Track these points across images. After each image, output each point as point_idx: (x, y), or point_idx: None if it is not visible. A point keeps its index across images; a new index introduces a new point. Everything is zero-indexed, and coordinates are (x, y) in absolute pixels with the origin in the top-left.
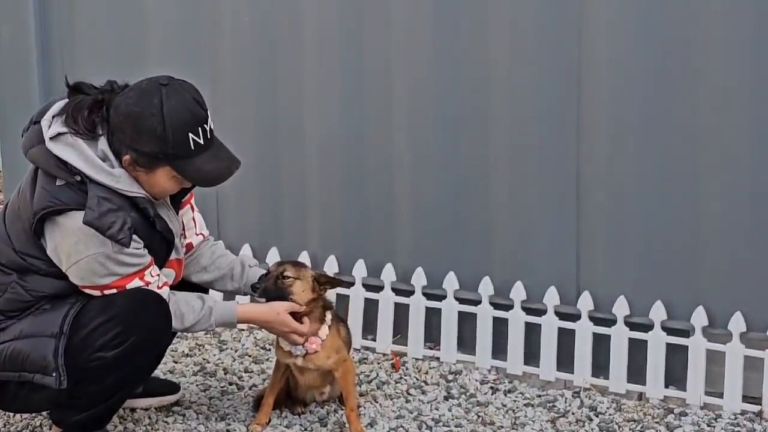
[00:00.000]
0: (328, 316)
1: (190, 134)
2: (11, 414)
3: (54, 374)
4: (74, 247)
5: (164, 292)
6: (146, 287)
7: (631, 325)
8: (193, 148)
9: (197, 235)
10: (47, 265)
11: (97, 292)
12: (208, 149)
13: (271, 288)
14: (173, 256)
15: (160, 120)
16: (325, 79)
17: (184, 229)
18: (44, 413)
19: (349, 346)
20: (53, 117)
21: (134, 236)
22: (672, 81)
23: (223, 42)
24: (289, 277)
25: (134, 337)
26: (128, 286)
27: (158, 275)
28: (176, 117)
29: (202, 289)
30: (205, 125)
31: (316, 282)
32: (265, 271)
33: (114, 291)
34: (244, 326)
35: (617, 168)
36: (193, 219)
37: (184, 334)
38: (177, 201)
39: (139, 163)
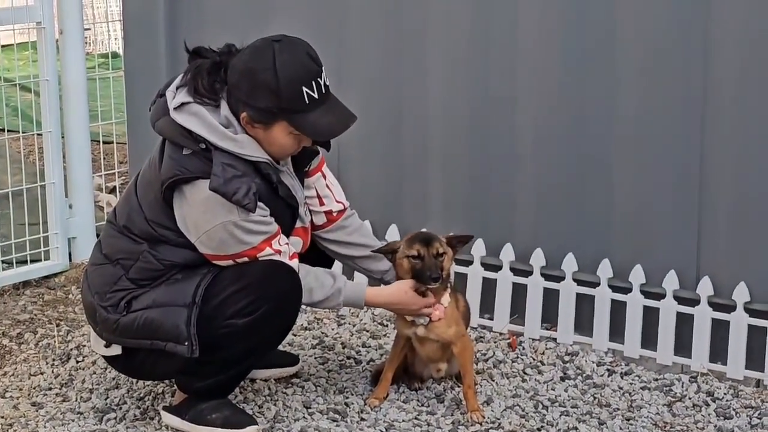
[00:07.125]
0: (451, 281)
1: (304, 88)
2: (134, 381)
3: (186, 343)
4: (202, 216)
5: (294, 263)
6: (277, 257)
7: (750, 312)
8: (307, 102)
9: (337, 202)
10: (176, 236)
11: (229, 262)
12: (323, 103)
13: (441, 273)
14: (298, 224)
15: (273, 74)
16: (449, 55)
17: (319, 197)
18: (167, 381)
19: (468, 320)
20: (177, 88)
21: (259, 203)
22: None
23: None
24: (443, 254)
25: (265, 306)
26: (259, 256)
27: (287, 244)
28: (289, 71)
29: (330, 261)
30: (318, 79)
31: (450, 246)
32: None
33: (246, 259)
34: None
35: (742, 151)
36: (328, 186)
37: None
38: (301, 171)
39: (256, 119)
